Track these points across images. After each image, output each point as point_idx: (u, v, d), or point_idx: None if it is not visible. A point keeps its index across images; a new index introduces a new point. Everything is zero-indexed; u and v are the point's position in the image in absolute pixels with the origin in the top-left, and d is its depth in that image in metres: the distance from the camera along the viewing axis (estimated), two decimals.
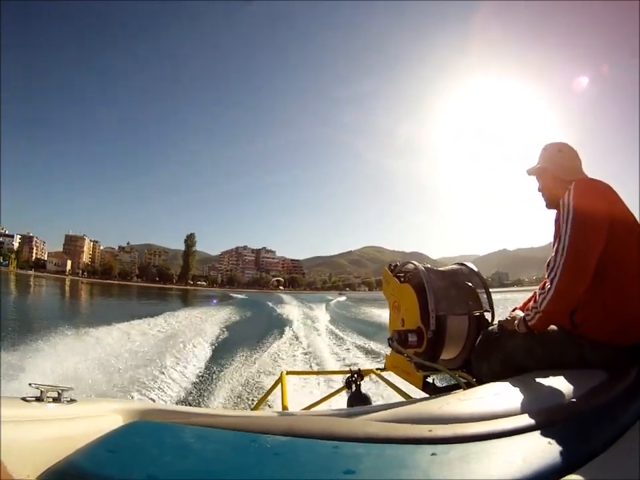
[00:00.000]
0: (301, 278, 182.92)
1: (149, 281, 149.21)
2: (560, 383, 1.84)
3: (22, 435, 1.16)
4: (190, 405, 7.17)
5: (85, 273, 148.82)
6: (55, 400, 1.48)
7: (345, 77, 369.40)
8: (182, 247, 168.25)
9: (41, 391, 1.45)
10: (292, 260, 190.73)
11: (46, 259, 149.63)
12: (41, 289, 64.68)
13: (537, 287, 2.33)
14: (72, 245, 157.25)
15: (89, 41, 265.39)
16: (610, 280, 2.15)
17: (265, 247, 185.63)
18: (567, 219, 2.17)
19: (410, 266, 3.31)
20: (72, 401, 1.52)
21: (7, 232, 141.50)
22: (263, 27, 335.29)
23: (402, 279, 3.28)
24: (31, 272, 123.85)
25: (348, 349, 13.81)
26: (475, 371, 2.73)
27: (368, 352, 12.96)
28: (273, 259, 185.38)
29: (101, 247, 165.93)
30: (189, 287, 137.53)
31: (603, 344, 2.13)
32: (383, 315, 26.22)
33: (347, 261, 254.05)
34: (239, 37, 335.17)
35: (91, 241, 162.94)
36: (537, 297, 2.25)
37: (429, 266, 3.25)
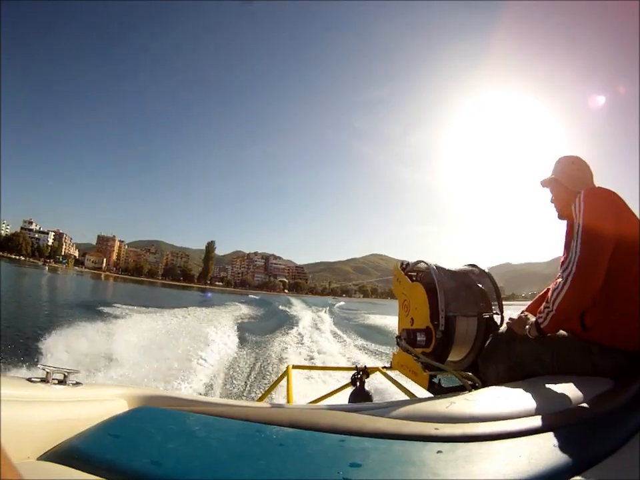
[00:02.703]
0: (303, 283, 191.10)
1: (173, 279, 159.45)
2: (567, 388, 1.70)
3: (24, 415, 1.08)
4: (196, 394, 6.83)
5: (120, 271, 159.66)
6: (61, 382, 1.37)
7: (358, 82, 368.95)
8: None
9: (47, 373, 1.34)
10: (296, 266, 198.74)
11: (72, 253, 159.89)
12: (105, 284, 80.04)
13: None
14: (104, 244, 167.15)
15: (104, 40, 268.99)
16: (620, 283, 2.00)
17: (273, 254, 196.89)
18: (579, 223, 2.02)
19: (422, 265, 3.03)
20: (77, 384, 1.39)
21: (41, 229, 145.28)
22: (278, 29, 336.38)
23: (413, 278, 3.02)
24: (81, 269, 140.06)
25: (347, 346, 13.53)
26: (482, 374, 2.47)
27: (367, 350, 12.66)
28: (280, 264, 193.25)
29: (126, 247, 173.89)
30: (207, 287, 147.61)
31: (614, 350, 1.96)
32: (371, 316, 26.50)
33: (350, 268, 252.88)
34: (256, 39, 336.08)
35: (119, 241, 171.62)
36: (550, 297, 2.03)
37: (441, 266, 2.97)
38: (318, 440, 1.13)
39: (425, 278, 2.89)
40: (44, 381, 1.32)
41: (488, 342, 2.49)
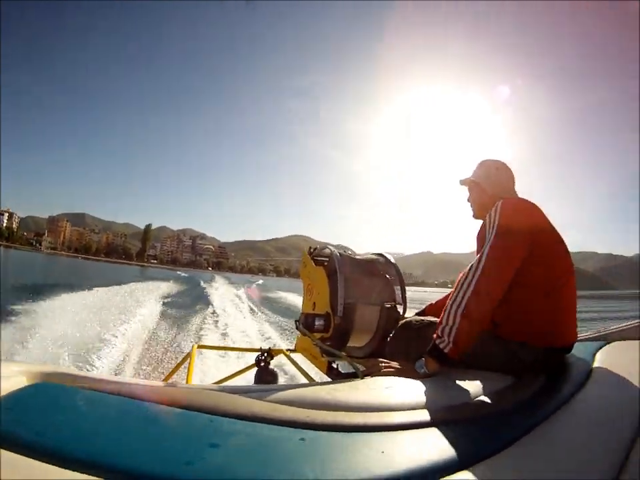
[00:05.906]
0: (225, 262, 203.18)
1: (117, 257, 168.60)
2: (464, 383, 1.48)
3: None
4: (102, 372, 5.97)
5: (72, 250, 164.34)
6: None
7: (294, 66, 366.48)
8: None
9: None
10: (219, 246, 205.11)
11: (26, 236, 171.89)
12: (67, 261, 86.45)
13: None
14: (54, 224, 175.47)
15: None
16: (531, 287, 1.76)
17: (199, 234, 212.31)
18: (492, 230, 1.75)
19: (327, 250, 2.67)
20: None
21: None
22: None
23: (324, 263, 2.65)
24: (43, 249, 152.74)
25: (261, 323, 12.85)
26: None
27: (278, 327, 12.08)
28: (205, 244, 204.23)
29: (70, 226, 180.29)
30: (144, 264, 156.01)
31: (525, 345, 1.74)
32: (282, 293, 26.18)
33: (272, 248, 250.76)
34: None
35: (66, 221, 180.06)
36: (447, 311, 1.67)
37: (349, 253, 2.67)
38: (186, 419, 1.01)
39: (330, 263, 2.55)
40: None
41: (398, 325, 2.13)
